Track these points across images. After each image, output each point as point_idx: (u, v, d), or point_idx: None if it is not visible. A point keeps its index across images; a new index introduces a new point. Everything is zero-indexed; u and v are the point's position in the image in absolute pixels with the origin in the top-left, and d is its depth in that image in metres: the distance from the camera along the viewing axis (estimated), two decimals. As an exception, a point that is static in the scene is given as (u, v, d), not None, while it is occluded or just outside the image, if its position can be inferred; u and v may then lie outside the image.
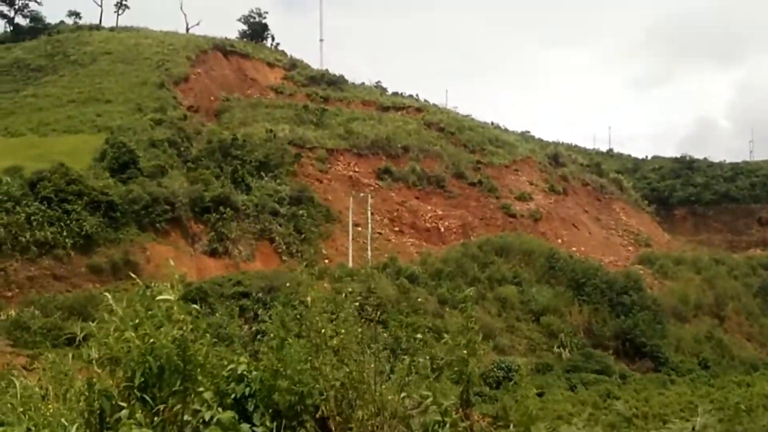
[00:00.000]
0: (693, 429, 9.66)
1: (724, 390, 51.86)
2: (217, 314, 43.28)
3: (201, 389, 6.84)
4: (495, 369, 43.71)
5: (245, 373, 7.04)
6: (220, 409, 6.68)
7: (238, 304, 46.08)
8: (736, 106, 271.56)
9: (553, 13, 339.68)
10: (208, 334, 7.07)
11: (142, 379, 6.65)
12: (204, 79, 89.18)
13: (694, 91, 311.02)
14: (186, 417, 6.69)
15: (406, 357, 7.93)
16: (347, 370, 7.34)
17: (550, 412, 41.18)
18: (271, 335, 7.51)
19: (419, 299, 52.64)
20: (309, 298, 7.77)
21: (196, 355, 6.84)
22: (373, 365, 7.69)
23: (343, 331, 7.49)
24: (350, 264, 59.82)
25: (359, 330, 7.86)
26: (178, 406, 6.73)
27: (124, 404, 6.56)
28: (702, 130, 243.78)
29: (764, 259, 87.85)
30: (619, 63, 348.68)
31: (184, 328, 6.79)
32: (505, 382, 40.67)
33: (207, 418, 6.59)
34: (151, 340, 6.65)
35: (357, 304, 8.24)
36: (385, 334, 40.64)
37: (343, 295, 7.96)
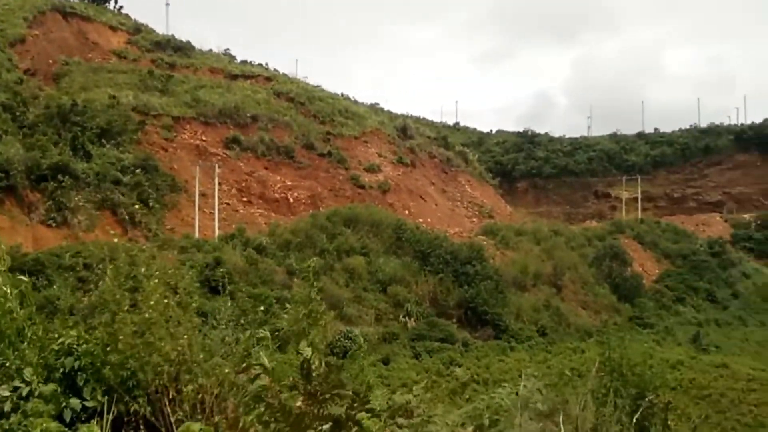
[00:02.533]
0: (517, 393, 10.02)
1: (560, 356, 54.61)
2: (54, 286, 41.60)
3: (14, 365, 6.52)
4: (342, 339, 44.16)
5: (74, 346, 6.75)
6: (41, 384, 6.40)
7: (77, 275, 44.31)
8: (574, 83, 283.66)
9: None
10: (18, 306, 6.69)
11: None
12: (42, 42, 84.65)
13: (535, 67, 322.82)
14: (5, 393, 6.35)
15: (249, 328, 7.80)
16: (182, 343, 7.13)
17: (395, 379, 42.14)
18: (103, 309, 7.24)
19: (267, 270, 52.41)
20: (144, 270, 7.51)
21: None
22: (213, 337, 7.52)
23: (172, 302, 7.25)
24: (197, 235, 58.77)
25: (201, 301, 7.67)
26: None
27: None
28: (542, 106, 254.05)
29: (599, 231, 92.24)
30: (465, 39, 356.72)
31: None
32: (352, 352, 41.30)
33: (24, 393, 6.31)
34: None
35: (201, 275, 8.05)
36: (231, 306, 40.30)
37: (186, 265, 7.72)
